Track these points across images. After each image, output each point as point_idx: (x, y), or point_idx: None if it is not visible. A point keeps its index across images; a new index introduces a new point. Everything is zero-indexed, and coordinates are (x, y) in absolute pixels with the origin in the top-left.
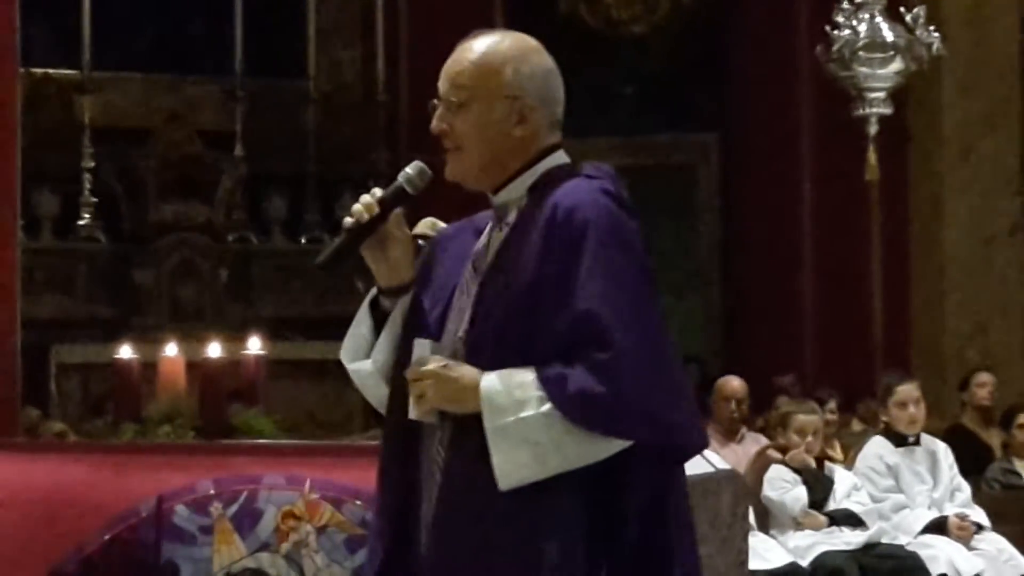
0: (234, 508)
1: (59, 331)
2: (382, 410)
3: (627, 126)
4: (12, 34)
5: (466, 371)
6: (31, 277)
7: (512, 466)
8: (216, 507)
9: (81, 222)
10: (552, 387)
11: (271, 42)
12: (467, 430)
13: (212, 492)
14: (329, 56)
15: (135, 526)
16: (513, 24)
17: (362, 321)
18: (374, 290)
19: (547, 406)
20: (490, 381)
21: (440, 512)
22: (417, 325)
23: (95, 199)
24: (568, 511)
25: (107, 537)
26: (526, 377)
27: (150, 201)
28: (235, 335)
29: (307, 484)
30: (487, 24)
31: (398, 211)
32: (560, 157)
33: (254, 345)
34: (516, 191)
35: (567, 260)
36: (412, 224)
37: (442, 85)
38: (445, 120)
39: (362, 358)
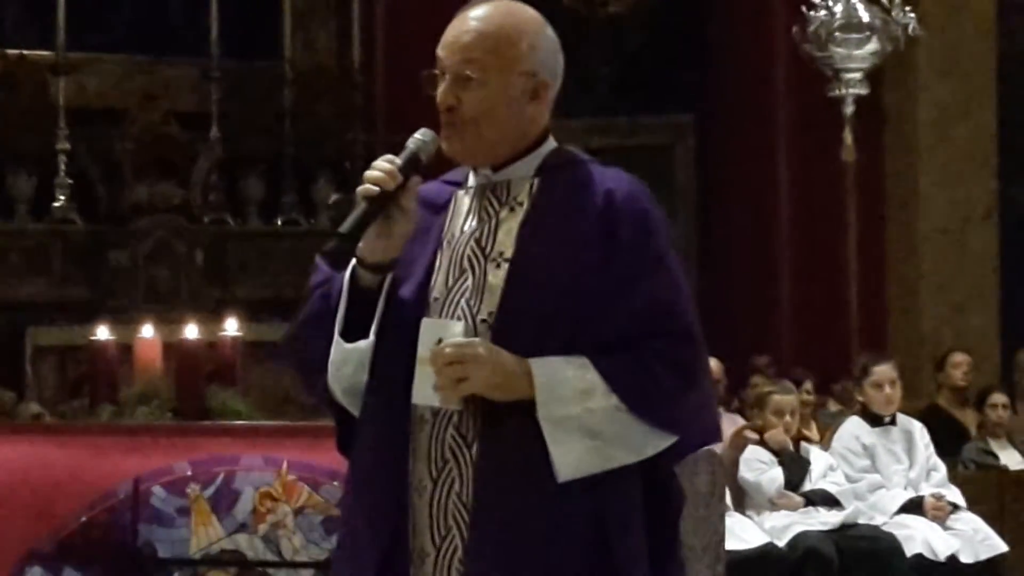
0: (211, 489)
1: (34, 313)
2: (346, 399)
3: (604, 107)
4: None
5: (507, 356)
6: (6, 259)
7: (573, 458)
8: (193, 488)
9: (56, 204)
10: (621, 378)
11: (247, 23)
12: (500, 417)
13: (189, 474)
14: (305, 36)
15: (112, 508)
16: None
17: (341, 300)
18: (351, 265)
19: (614, 398)
20: (546, 368)
21: (484, 504)
22: (399, 305)
23: (70, 181)
24: (630, 500)
25: (84, 519)
26: (585, 366)
27: (126, 183)
28: (212, 317)
29: (284, 465)
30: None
31: (416, 179)
32: (552, 139)
33: (231, 327)
34: (522, 170)
35: (634, 248)
36: None
37: (448, 56)
38: (454, 93)
39: (332, 337)
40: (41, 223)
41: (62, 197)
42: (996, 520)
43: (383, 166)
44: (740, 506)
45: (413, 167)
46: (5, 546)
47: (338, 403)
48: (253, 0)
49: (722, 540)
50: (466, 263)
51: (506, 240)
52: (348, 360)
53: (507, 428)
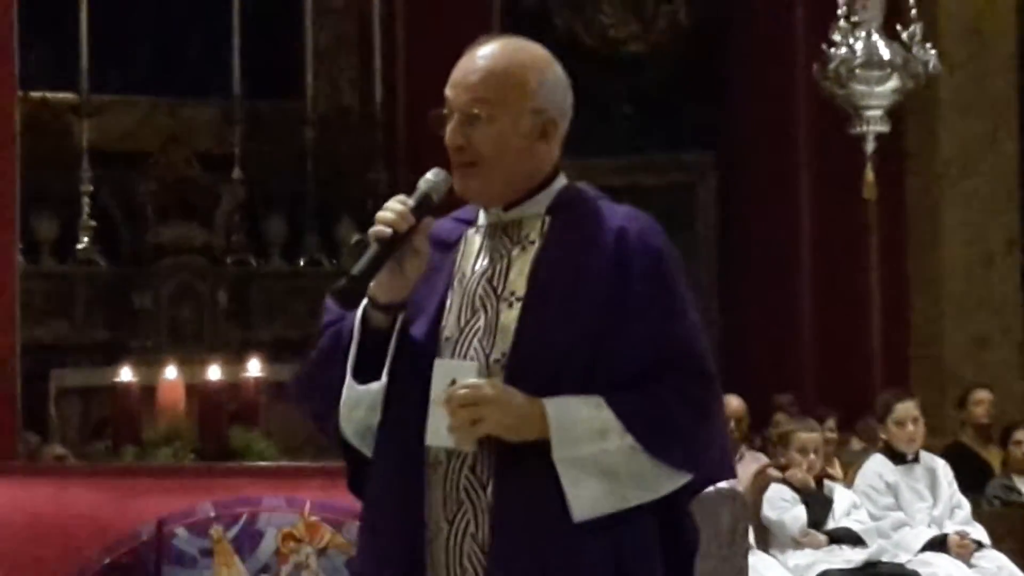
0: (234, 530)
1: (58, 355)
2: (357, 440)
3: (625, 145)
4: (10, 59)
5: (521, 396)
6: (30, 301)
7: (589, 498)
8: (216, 530)
9: (80, 245)
10: (636, 418)
11: (268, 64)
12: (515, 457)
13: (212, 515)
14: (326, 77)
15: (135, 550)
16: None
17: (353, 341)
18: (364, 305)
19: (629, 438)
20: (560, 408)
21: (503, 542)
22: (412, 345)
23: (94, 222)
24: (646, 538)
25: (107, 561)
26: (600, 406)
27: (149, 224)
28: (234, 357)
29: (307, 506)
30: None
31: (428, 220)
32: (563, 176)
33: (253, 367)
34: (533, 208)
35: (647, 286)
36: None
37: (457, 95)
38: (463, 133)
39: (345, 380)
40: (65, 265)
41: (85, 239)
42: (1021, 557)
43: (395, 207)
44: (763, 544)
45: (425, 208)
46: None
47: (350, 444)
48: (274, 41)
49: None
50: (478, 303)
51: (518, 279)
52: (360, 402)
53: (522, 469)
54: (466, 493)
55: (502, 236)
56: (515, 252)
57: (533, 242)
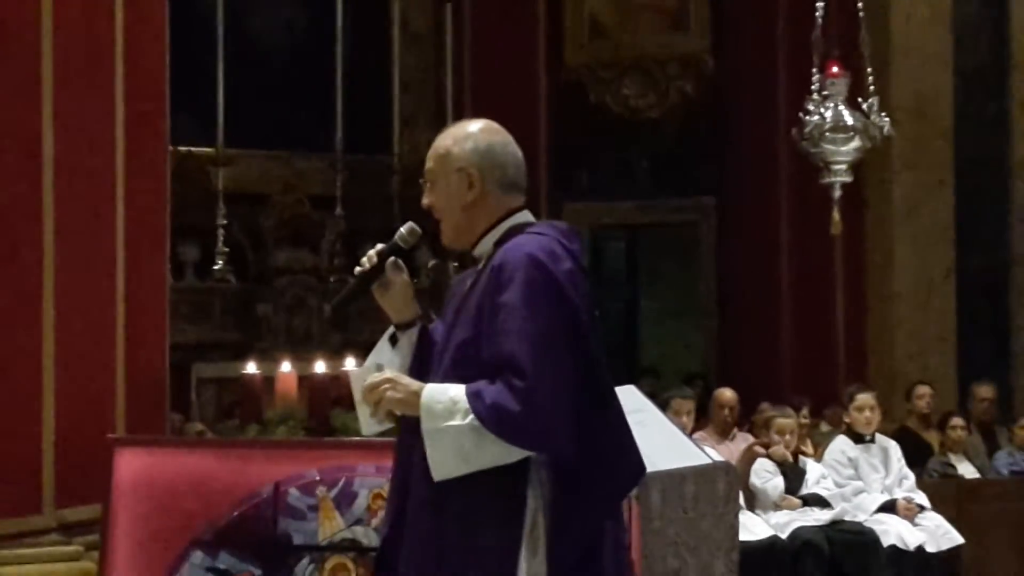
0: (335, 491)
1: (198, 352)
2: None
3: (644, 191)
4: (163, 121)
5: (408, 382)
6: (176, 310)
7: (441, 462)
8: (321, 490)
9: (216, 267)
10: (475, 402)
11: (364, 125)
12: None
13: (318, 478)
14: (409, 136)
15: (258, 505)
16: (553, 111)
17: (381, 349)
18: (392, 328)
19: (471, 417)
20: (429, 391)
21: (414, 490)
22: (431, 352)
23: (227, 249)
24: (502, 496)
25: (236, 513)
26: (458, 391)
27: (269, 250)
28: (335, 355)
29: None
30: (533, 110)
31: (391, 260)
32: (523, 216)
33: (350, 363)
34: (485, 246)
35: (495, 306)
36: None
37: (426, 166)
38: (428, 197)
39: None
40: (204, 282)
41: (220, 262)
42: (955, 519)
43: (368, 255)
44: (751, 506)
45: (393, 251)
46: (175, 535)
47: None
48: (369, 107)
49: (736, 533)
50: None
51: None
52: None
53: (420, 439)
54: (419, 455)
55: (478, 269)
56: (471, 282)
57: (482, 272)
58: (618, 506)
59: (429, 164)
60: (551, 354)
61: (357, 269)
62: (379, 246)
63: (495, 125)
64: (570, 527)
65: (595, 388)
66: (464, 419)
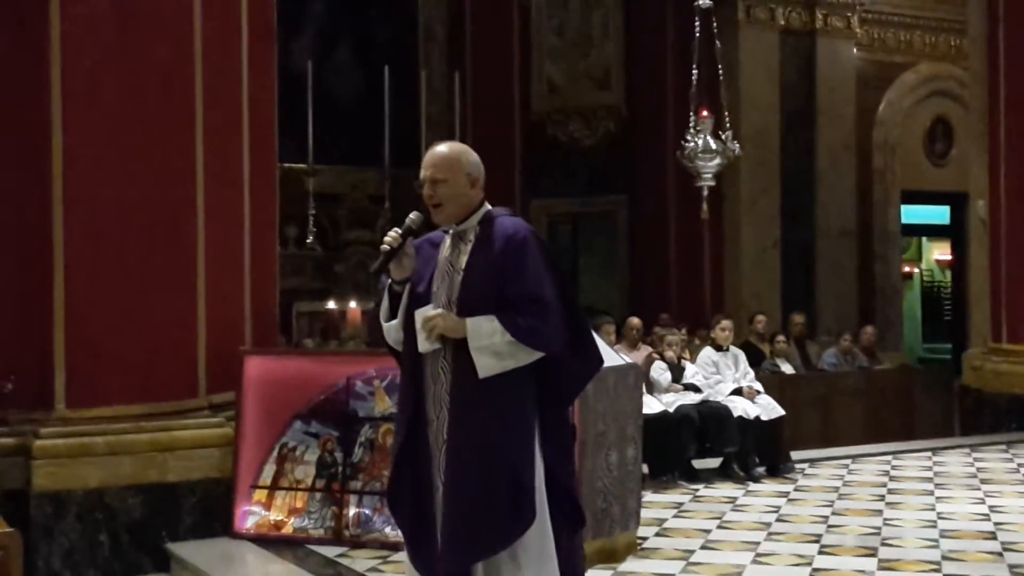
0: (385, 382)
1: (297, 295)
2: (396, 346)
3: (582, 192)
4: (273, 144)
5: (455, 317)
6: (283, 269)
7: (485, 365)
8: (376, 382)
9: (308, 240)
10: (511, 325)
11: (403, 149)
12: (458, 348)
13: (374, 374)
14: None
15: (336, 392)
16: (524, 140)
17: (384, 299)
18: (388, 280)
19: (507, 334)
20: (474, 322)
21: (455, 394)
22: (416, 298)
23: (315, 229)
24: (525, 390)
25: (321, 397)
26: (493, 320)
27: (342, 230)
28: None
29: None
30: (511, 140)
31: (410, 240)
32: (487, 204)
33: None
34: (471, 223)
35: (517, 262)
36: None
37: (427, 171)
38: (434, 190)
39: (387, 318)
40: (300, 250)
41: (311, 237)
42: (779, 399)
43: (392, 235)
44: (649, 391)
45: (409, 233)
46: (283, 411)
47: (392, 346)
48: (405, 138)
49: (640, 408)
50: (445, 274)
51: (462, 260)
52: (390, 329)
53: (461, 353)
54: (440, 367)
55: (457, 239)
56: (462, 247)
57: (470, 241)
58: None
59: (438, 170)
60: (553, 290)
61: (383, 247)
62: (396, 229)
63: (468, 147)
64: (554, 399)
65: (573, 307)
66: (503, 336)
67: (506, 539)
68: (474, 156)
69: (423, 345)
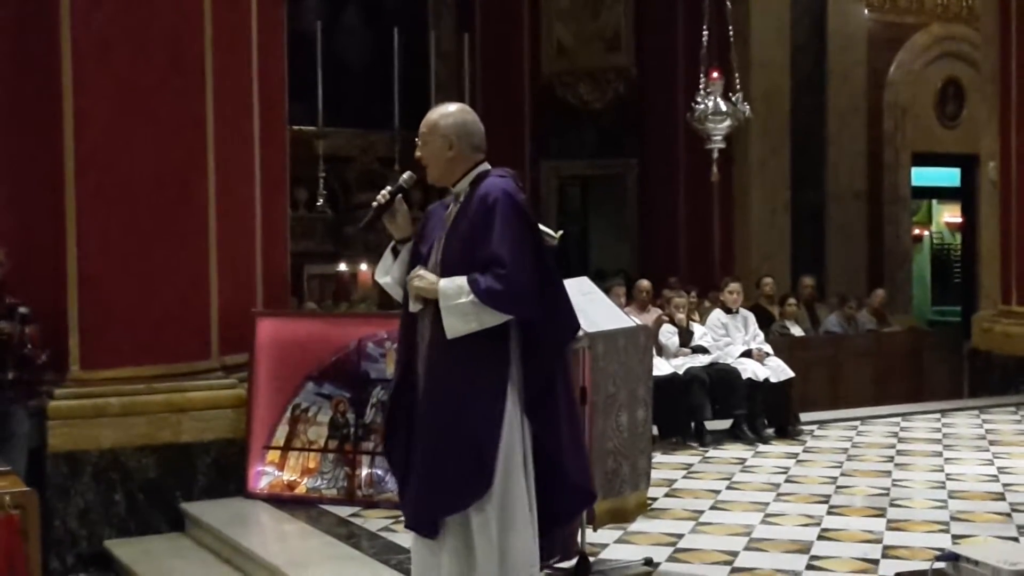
0: (396, 344)
1: (308, 257)
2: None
3: (592, 154)
4: (282, 108)
5: (433, 277)
6: (294, 231)
7: (452, 326)
8: (387, 344)
9: (318, 203)
10: (474, 286)
11: (412, 112)
12: (436, 310)
13: (385, 336)
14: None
15: (348, 353)
16: (534, 103)
17: (386, 257)
18: (392, 241)
19: (472, 296)
20: (445, 283)
21: (429, 354)
22: (417, 258)
23: (325, 191)
24: (496, 354)
25: (333, 359)
26: (462, 280)
27: (352, 192)
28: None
29: None
30: (521, 103)
31: (399, 197)
32: (485, 166)
33: None
34: (462, 185)
35: (485, 223)
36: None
37: (420, 133)
38: (421, 151)
39: (386, 276)
40: (311, 213)
41: (321, 200)
42: (788, 361)
43: (383, 192)
44: (659, 353)
45: (399, 191)
46: (295, 372)
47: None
48: (415, 100)
49: (651, 370)
50: (440, 235)
51: (448, 222)
52: (389, 287)
53: (438, 314)
54: (425, 326)
55: (454, 201)
56: (452, 208)
57: (460, 202)
58: (566, 357)
59: (423, 130)
60: (521, 251)
61: (374, 204)
62: (389, 187)
63: (467, 107)
64: (533, 367)
65: (546, 271)
66: (468, 297)
67: (461, 501)
68: (458, 119)
69: (411, 304)
